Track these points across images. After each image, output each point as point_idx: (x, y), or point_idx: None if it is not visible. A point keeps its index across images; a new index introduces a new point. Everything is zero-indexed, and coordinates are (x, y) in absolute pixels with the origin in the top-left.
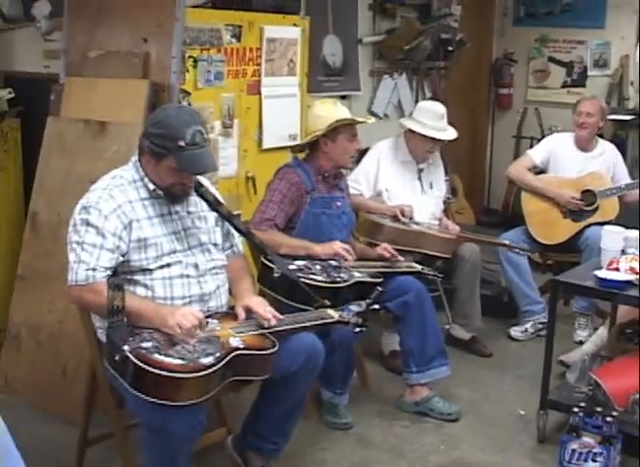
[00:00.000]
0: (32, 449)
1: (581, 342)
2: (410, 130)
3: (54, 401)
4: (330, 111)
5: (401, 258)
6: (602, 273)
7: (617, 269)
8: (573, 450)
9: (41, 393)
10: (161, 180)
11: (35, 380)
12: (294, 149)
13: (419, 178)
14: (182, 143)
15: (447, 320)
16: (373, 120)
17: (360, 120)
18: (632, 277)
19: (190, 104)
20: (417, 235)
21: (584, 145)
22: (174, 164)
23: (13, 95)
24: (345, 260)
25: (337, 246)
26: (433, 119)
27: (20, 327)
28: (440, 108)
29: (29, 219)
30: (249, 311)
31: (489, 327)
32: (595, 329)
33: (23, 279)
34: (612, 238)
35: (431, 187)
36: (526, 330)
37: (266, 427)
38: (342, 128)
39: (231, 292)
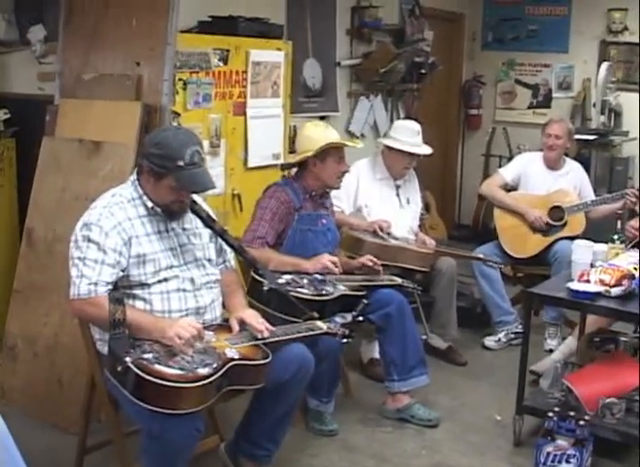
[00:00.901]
0: (31, 457)
1: (551, 351)
2: (388, 148)
3: (51, 410)
4: (321, 133)
5: (381, 270)
6: (574, 285)
7: (587, 281)
8: (548, 453)
9: (37, 403)
10: (160, 198)
11: (31, 391)
12: (283, 166)
13: (397, 194)
14: (181, 163)
15: (424, 331)
16: (361, 144)
17: (350, 144)
18: (602, 289)
19: (179, 125)
20: (397, 250)
21: (552, 164)
22: (174, 184)
23: (8, 116)
24: (333, 273)
25: (326, 260)
26: (409, 135)
27: (17, 339)
28: (415, 125)
29: (25, 234)
30: (243, 324)
31: (464, 337)
32: (564, 338)
33: (19, 293)
34: (582, 252)
35: (408, 202)
36: (499, 339)
37: (259, 434)
38: (332, 150)
39: (224, 305)
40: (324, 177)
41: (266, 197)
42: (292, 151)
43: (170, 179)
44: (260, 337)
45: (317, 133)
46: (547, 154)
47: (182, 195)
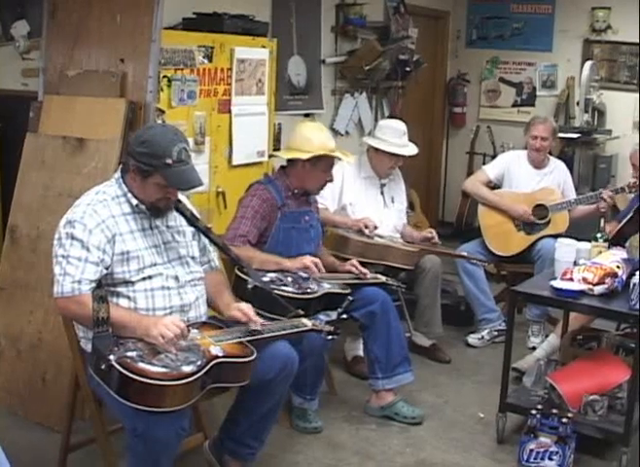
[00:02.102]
0: (14, 455)
1: (534, 348)
2: (374, 148)
3: (34, 408)
4: (319, 138)
5: (368, 274)
6: (558, 283)
7: (571, 279)
8: (531, 450)
9: (21, 401)
10: (147, 196)
11: (15, 389)
12: (272, 156)
13: (382, 193)
14: (169, 161)
15: (409, 328)
16: (353, 159)
17: (345, 158)
18: (585, 287)
19: (164, 122)
20: (382, 248)
21: (537, 164)
22: (162, 181)
23: None
24: (314, 272)
25: (307, 260)
26: (395, 136)
27: (0, 337)
28: (401, 126)
29: (8, 232)
30: (233, 320)
31: (447, 335)
32: (547, 336)
33: (3, 290)
34: (565, 250)
35: (393, 201)
36: (483, 337)
37: (243, 432)
38: (324, 158)
39: (209, 305)
40: (307, 180)
41: (248, 195)
42: (276, 148)
43: (158, 177)
44: (253, 327)
45: (316, 137)
46: (533, 155)
47: (169, 192)
